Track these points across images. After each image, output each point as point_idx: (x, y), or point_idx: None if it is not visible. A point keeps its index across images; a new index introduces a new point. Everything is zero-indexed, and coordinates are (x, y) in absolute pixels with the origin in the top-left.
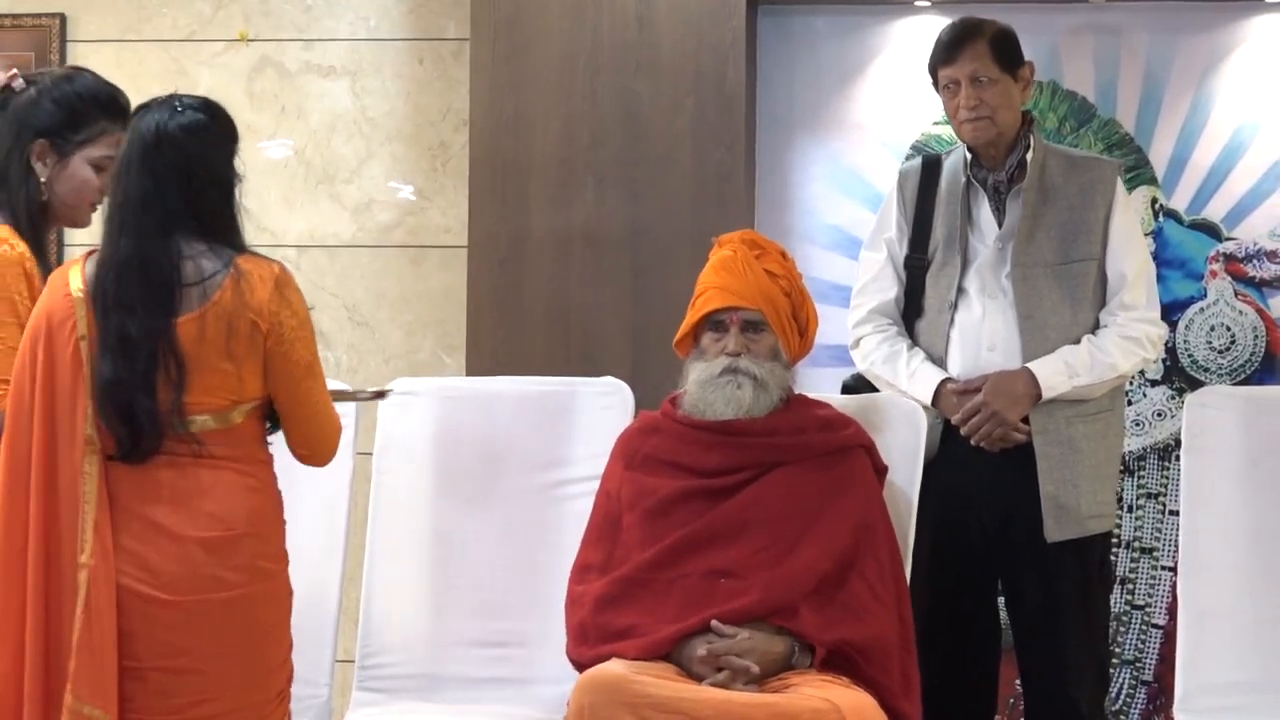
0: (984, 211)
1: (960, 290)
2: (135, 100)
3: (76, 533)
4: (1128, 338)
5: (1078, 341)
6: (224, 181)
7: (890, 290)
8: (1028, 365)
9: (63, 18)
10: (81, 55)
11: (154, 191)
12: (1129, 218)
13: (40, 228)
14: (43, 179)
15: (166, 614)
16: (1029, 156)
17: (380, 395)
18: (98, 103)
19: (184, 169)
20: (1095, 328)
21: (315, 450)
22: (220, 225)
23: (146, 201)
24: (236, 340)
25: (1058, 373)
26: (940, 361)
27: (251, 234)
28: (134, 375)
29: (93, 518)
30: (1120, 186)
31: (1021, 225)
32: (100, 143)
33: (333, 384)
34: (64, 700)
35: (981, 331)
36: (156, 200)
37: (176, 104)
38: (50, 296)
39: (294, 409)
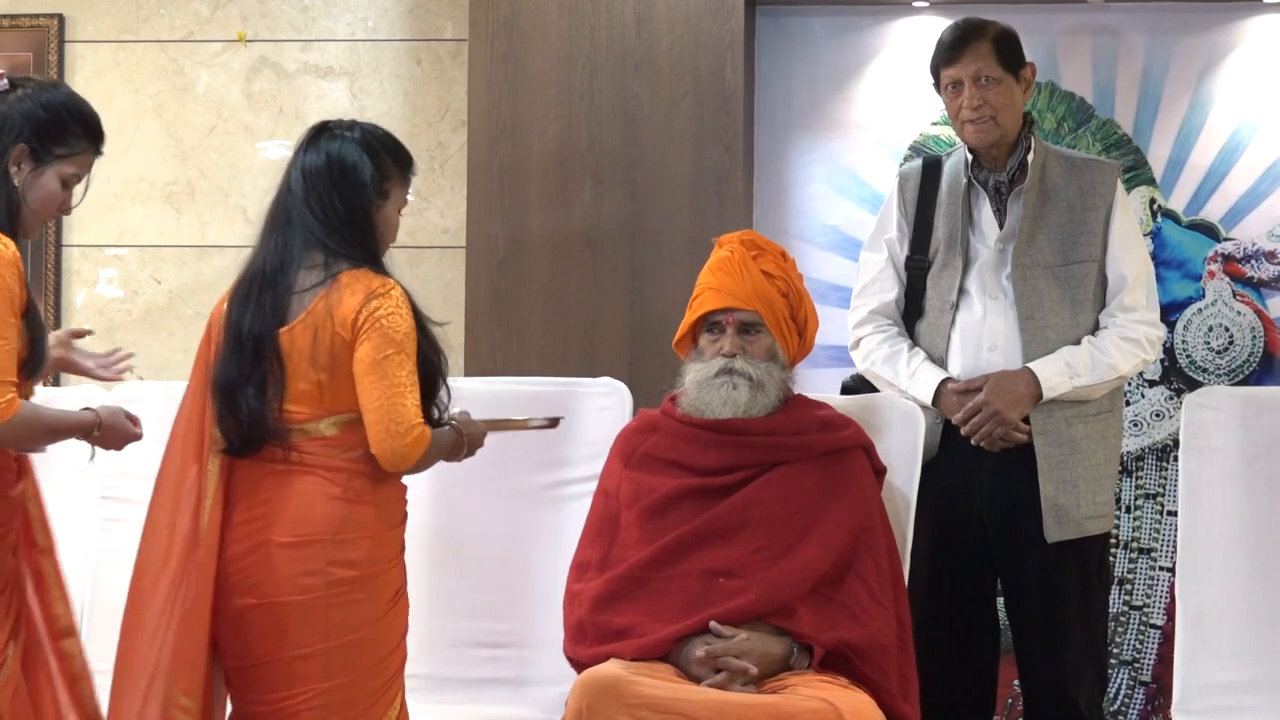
0: (985, 212)
1: (962, 291)
2: (132, 100)
3: (197, 528)
4: (1127, 339)
5: (1078, 342)
6: (357, 202)
7: (890, 291)
8: (1029, 365)
9: (61, 18)
10: (80, 55)
11: (294, 206)
12: (1129, 219)
13: (15, 232)
14: (16, 183)
15: (249, 614)
16: (1029, 158)
17: (553, 424)
18: (84, 120)
19: (314, 173)
20: (1095, 329)
21: (381, 452)
22: (346, 241)
23: (288, 216)
24: (320, 350)
25: (1059, 373)
26: (941, 361)
27: (248, 234)
28: (243, 374)
29: (209, 515)
30: (1120, 188)
31: (1022, 226)
32: (75, 160)
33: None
34: (164, 689)
35: (983, 332)
36: (295, 215)
37: (334, 129)
38: (217, 304)
39: (362, 403)
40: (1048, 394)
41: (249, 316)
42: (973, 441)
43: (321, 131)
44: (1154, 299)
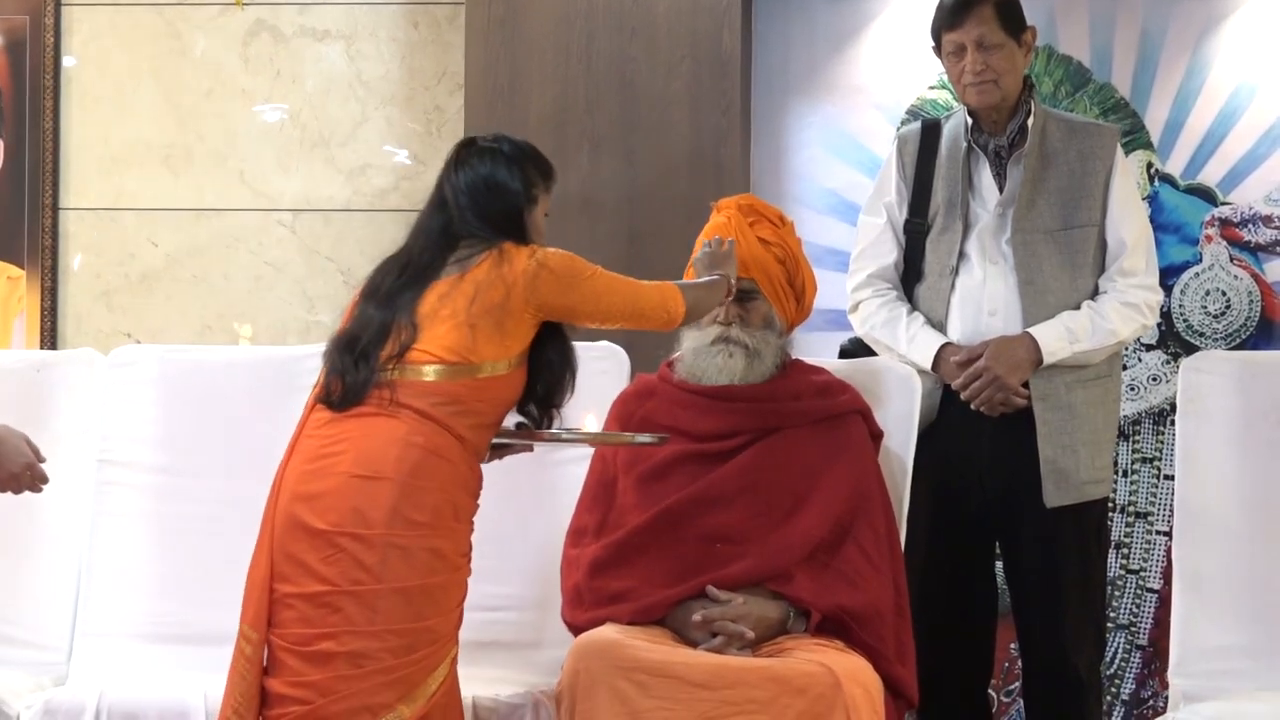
0: (985, 177)
1: (961, 255)
2: (129, 63)
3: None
4: (1127, 304)
5: (1078, 307)
6: (513, 208)
7: (889, 255)
8: (1029, 330)
9: None
10: (76, 18)
11: (438, 204)
12: (1128, 183)
13: None
14: None
15: (317, 540)
16: (1029, 122)
17: (662, 440)
18: None
19: (469, 187)
20: (1095, 294)
21: (652, 327)
22: (501, 229)
23: (432, 211)
24: (480, 304)
25: (1059, 338)
26: (940, 326)
27: (246, 197)
28: (366, 336)
29: (286, 451)
30: (1120, 152)
31: (1022, 191)
32: None
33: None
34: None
35: (982, 296)
36: (439, 211)
37: (480, 144)
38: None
39: (607, 324)
40: (1048, 359)
41: (389, 280)
42: (972, 407)
43: (468, 146)
44: (1153, 263)
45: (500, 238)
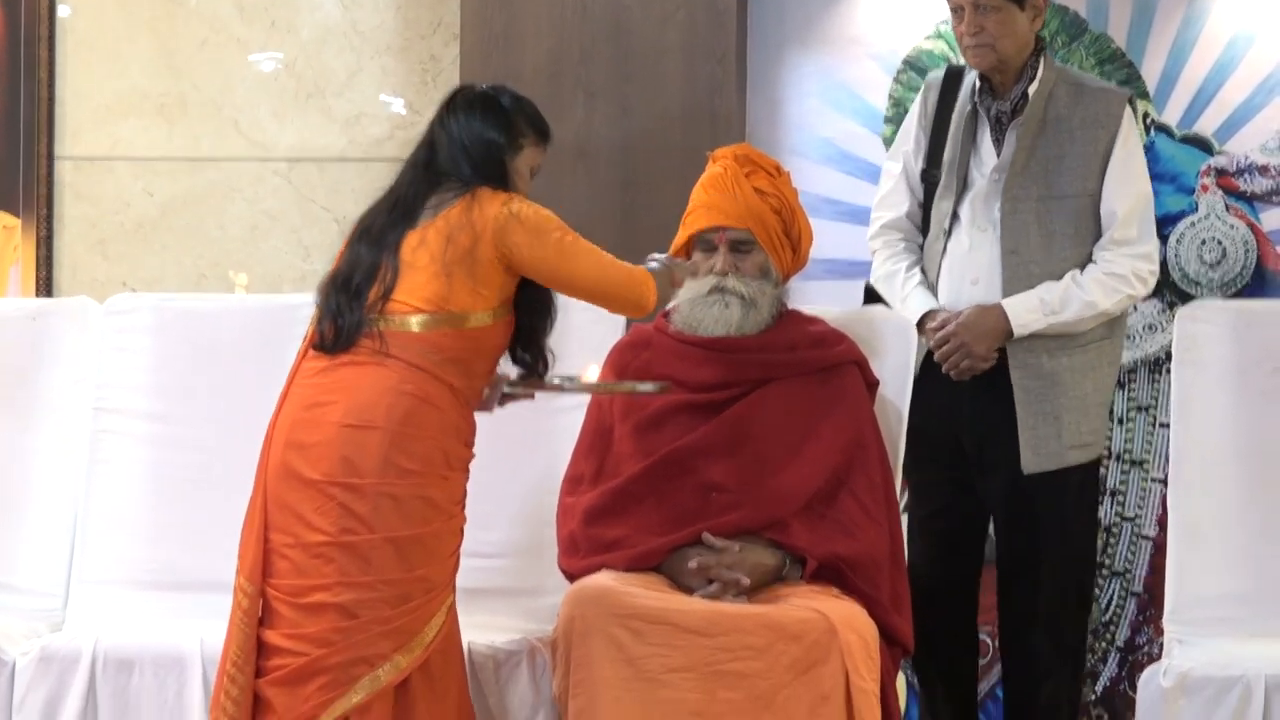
0: (985, 140)
1: (955, 218)
2: (124, 12)
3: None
4: (1112, 274)
5: (1062, 277)
6: (495, 152)
7: (902, 205)
8: (1002, 302)
9: None
10: None
11: (427, 144)
12: (1131, 150)
13: None
14: None
15: (310, 490)
16: (1033, 88)
17: (664, 389)
18: None
19: (457, 132)
20: (1088, 262)
21: (620, 308)
22: (484, 177)
23: (420, 151)
24: (453, 249)
25: (1031, 310)
26: (933, 287)
27: (241, 147)
28: (358, 276)
29: (279, 399)
30: (1127, 118)
31: (1015, 160)
32: None
33: (619, 384)
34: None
35: (967, 264)
36: (426, 150)
37: (472, 89)
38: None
39: (573, 292)
40: (1018, 331)
41: (379, 220)
42: (943, 370)
43: (465, 91)
44: (1149, 232)
45: (479, 181)
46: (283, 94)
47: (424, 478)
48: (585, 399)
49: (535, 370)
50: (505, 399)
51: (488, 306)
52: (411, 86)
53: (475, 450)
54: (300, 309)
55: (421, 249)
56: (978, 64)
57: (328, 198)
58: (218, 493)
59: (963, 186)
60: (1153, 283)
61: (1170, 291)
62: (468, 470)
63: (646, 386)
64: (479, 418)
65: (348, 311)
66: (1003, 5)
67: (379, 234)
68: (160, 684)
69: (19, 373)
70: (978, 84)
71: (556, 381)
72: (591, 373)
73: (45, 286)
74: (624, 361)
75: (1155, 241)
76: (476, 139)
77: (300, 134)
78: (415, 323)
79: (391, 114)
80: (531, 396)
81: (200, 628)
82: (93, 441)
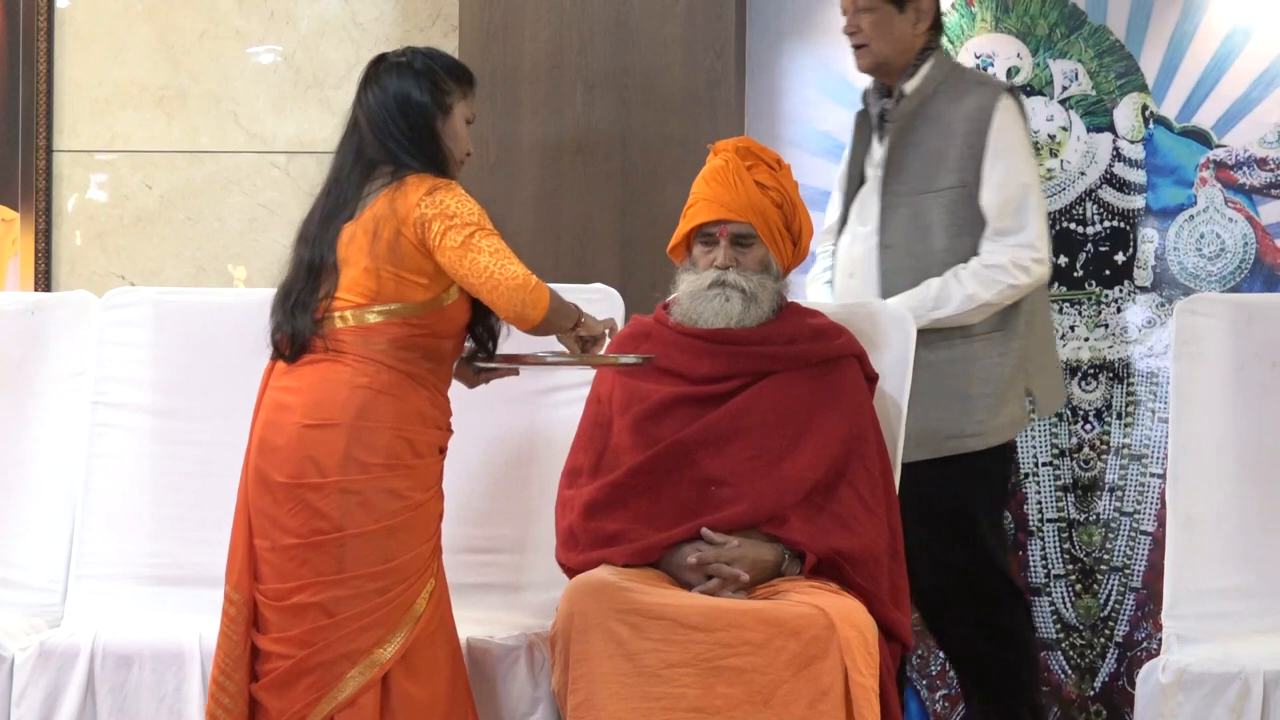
0: (874, 139)
1: (845, 216)
2: (123, 4)
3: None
4: (990, 265)
5: (939, 269)
6: (421, 121)
7: (835, 210)
8: (890, 300)
9: None
10: None
11: (353, 127)
12: (1009, 142)
13: None
14: None
15: (280, 494)
16: (909, 85)
17: (647, 361)
18: None
19: (379, 106)
20: (973, 254)
21: (507, 313)
22: (414, 156)
23: (348, 136)
24: (379, 244)
25: (918, 306)
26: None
27: (240, 139)
28: (298, 284)
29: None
30: (1004, 110)
31: (889, 156)
32: None
33: (600, 356)
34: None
35: (848, 259)
36: (353, 133)
37: (389, 59)
38: None
39: (469, 285)
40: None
41: (314, 219)
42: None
43: (378, 64)
44: (1030, 221)
45: (410, 159)
46: (281, 86)
47: (389, 470)
48: (583, 393)
49: (484, 347)
50: (488, 375)
51: (427, 294)
52: None
53: (473, 443)
54: None
55: (353, 243)
56: (860, 65)
57: None
58: (217, 487)
59: (858, 185)
60: (1039, 270)
61: (1169, 285)
62: (443, 451)
63: (629, 359)
64: (476, 404)
65: (292, 320)
66: (879, 6)
67: (314, 235)
68: (159, 679)
69: (17, 366)
70: (871, 85)
71: (539, 355)
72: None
73: (44, 280)
74: (624, 352)
75: (1038, 229)
76: (402, 118)
77: (299, 126)
78: (357, 317)
79: None
80: (515, 372)
81: (199, 623)
82: (91, 436)
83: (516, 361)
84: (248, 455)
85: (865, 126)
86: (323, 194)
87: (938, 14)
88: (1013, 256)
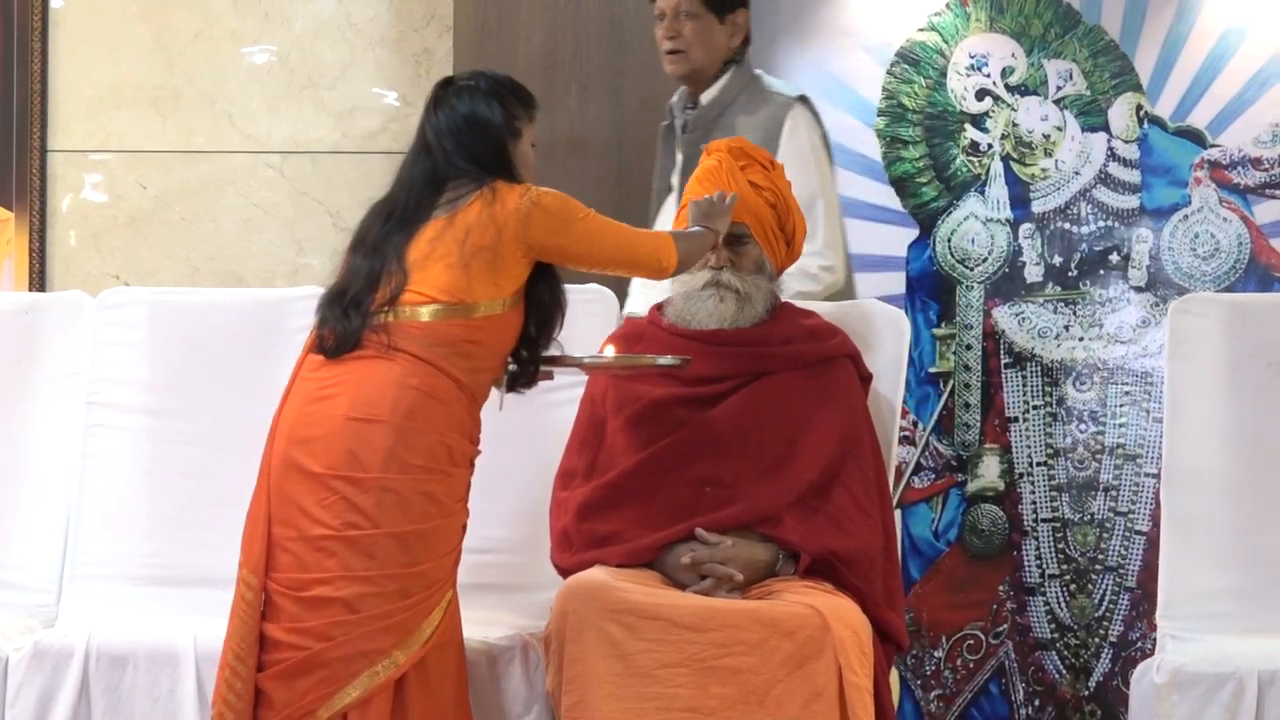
0: (677, 149)
1: (652, 225)
2: (118, 4)
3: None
4: (793, 272)
5: None
6: (497, 143)
7: (667, 224)
8: None
9: None
10: None
11: (422, 147)
12: (796, 148)
13: None
14: None
15: (314, 483)
16: (707, 95)
17: (685, 363)
18: None
19: (450, 126)
20: None
21: (643, 274)
22: (489, 166)
23: (416, 154)
24: (470, 245)
25: None
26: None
27: (234, 140)
28: (355, 286)
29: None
30: (795, 118)
31: (687, 165)
32: None
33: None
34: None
35: None
36: (423, 152)
37: (459, 82)
38: None
39: (604, 267)
40: None
41: (375, 230)
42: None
43: (447, 87)
44: (817, 228)
45: (488, 176)
46: (276, 86)
47: (427, 473)
48: (578, 394)
49: (526, 371)
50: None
51: (500, 296)
52: (405, 79)
53: (481, 447)
54: (293, 303)
55: (436, 246)
56: (672, 70)
57: (321, 191)
58: (212, 487)
59: (666, 194)
60: (828, 279)
61: (1163, 285)
62: (472, 466)
63: (666, 360)
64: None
65: (344, 320)
66: (702, 14)
67: (375, 244)
68: (154, 680)
69: (12, 367)
70: (676, 98)
71: (575, 358)
72: (609, 352)
73: (38, 280)
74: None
75: (826, 237)
76: (477, 140)
77: (294, 127)
78: (425, 313)
79: (385, 107)
80: (550, 376)
81: (194, 623)
82: (86, 436)
83: (554, 364)
84: (270, 443)
85: (670, 138)
86: (384, 209)
87: (749, 31)
88: (801, 265)
